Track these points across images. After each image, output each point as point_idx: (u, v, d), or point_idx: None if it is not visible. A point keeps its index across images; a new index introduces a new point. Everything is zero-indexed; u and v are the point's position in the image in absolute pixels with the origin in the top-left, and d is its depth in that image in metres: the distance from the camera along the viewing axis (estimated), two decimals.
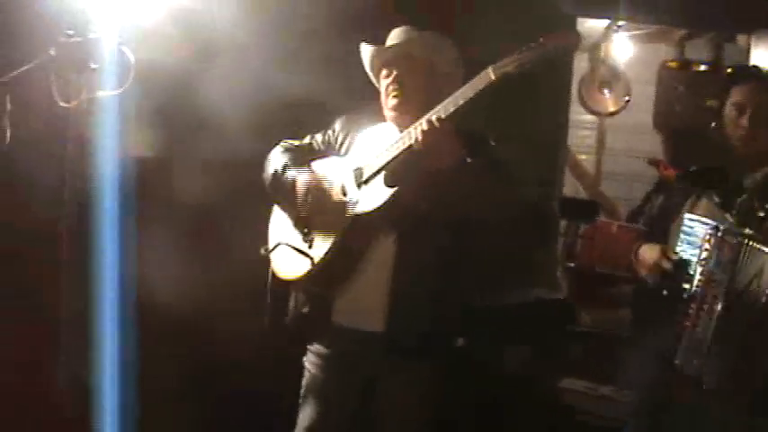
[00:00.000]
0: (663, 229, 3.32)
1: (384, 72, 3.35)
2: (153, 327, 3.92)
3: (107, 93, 3.35)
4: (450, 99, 3.03)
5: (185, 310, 3.97)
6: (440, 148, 3.00)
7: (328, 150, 3.49)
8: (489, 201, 3.12)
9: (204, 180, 4.10)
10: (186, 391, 4.13)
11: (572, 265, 7.07)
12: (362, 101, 3.50)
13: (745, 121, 3.16)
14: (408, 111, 3.25)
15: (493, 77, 2.92)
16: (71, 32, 3.25)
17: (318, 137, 3.55)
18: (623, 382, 4.90)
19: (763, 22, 5.48)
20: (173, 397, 4.05)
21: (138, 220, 3.89)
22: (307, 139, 3.58)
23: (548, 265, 6.06)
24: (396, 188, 3.14)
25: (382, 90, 3.36)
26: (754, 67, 3.70)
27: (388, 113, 3.34)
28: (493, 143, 3.28)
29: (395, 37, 3.37)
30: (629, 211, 7.88)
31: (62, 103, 3.29)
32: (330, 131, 3.52)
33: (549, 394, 5.03)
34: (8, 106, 3.12)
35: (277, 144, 3.58)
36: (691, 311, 3.08)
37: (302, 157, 3.49)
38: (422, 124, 3.02)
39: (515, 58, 2.90)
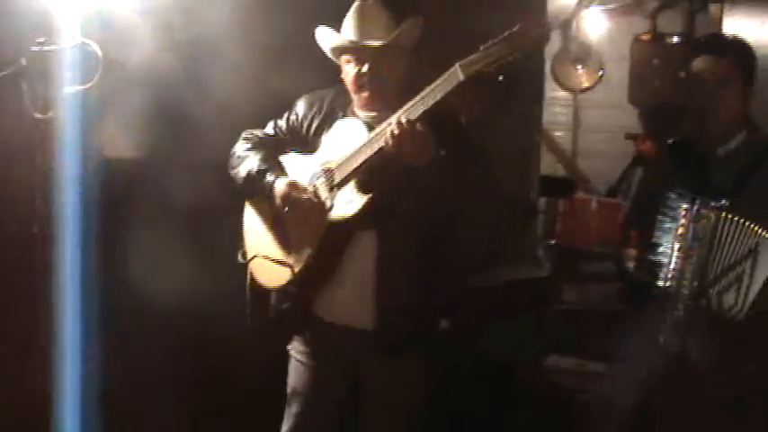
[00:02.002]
0: (642, 204, 3.29)
1: (348, 58, 3.20)
2: (133, 329, 3.86)
3: (73, 88, 3.27)
4: (419, 98, 2.93)
5: (167, 310, 3.91)
6: (412, 149, 2.91)
7: (293, 136, 3.38)
8: (467, 189, 3.07)
9: (181, 180, 4.03)
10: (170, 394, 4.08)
11: (553, 242, 7.07)
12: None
13: (704, 94, 3.14)
14: (380, 104, 3.16)
15: (462, 77, 2.84)
16: (42, 40, 3.18)
17: (282, 123, 3.41)
18: (611, 359, 4.91)
19: None
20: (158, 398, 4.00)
21: (112, 221, 3.82)
22: (269, 129, 3.44)
23: (528, 243, 6.04)
24: (371, 193, 3.07)
25: (349, 77, 3.21)
26: (713, 38, 3.62)
27: (357, 103, 3.25)
28: (464, 122, 3.23)
29: (366, 25, 3.17)
30: (608, 187, 7.95)
31: (37, 115, 3.22)
32: (293, 116, 3.39)
33: (535, 372, 5.02)
34: None
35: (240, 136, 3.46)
36: (670, 289, 3.04)
37: (272, 152, 3.35)
38: (391, 125, 2.93)
39: (484, 54, 2.80)
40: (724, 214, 2.96)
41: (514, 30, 2.76)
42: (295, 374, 3.40)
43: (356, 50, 3.18)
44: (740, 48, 3.31)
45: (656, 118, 6.97)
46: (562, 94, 8.68)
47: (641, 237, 3.20)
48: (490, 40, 2.80)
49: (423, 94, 2.93)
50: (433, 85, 2.91)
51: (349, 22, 3.22)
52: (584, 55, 8.25)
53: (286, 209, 3.20)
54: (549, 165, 8.19)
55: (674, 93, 7.53)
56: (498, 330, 4.82)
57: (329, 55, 3.29)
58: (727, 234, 2.96)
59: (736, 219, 2.94)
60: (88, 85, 3.27)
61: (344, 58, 3.22)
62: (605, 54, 8.33)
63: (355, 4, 3.23)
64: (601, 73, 8.32)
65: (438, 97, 2.89)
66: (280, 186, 3.22)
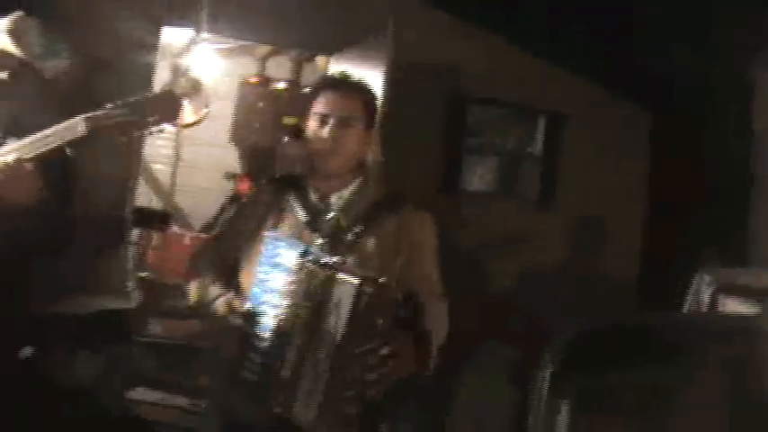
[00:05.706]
0: (236, 243, 3.06)
1: None
2: None
3: None
4: (31, 140, 2.83)
5: None
6: (15, 190, 2.81)
7: None
8: (59, 228, 3.05)
9: None
10: None
11: (143, 274, 6.99)
12: None
13: (326, 132, 2.94)
14: None
15: (84, 131, 2.76)
16: None
17: None
18: (197, 393, 4.89)
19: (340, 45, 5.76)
20: None
21: None
22: None
23: (117, 273, 5.91)
24: None
25: None
26: (332, 76, 3.43)
27: None
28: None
29: None
30: (204, 223, 8.00)
31: None
32: None
33: (120, 405, 4.91)
34: None
35: None
36: (274, 344, 2.73)
37: None
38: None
39: (110, 114, 2.75)
40: (340, 277, 2.66)
41: (143, 96, 2.75)
42: None
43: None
44: (367, 90, 3.12)
45: (256, 159, 7.13)
46: (165, 127, 8.64)
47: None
48: (119, 101, 2.76)
49: (37, 136, 2.82)
50: (50, 131, 2.81)
51: None
52: (191, 90, 8.28)
53: None
54: (146, 197, 8.09)
55: (276, 136, 7.77)
56: (84, 359, 4.67)
57: None
58: (336, 290, 2.66)
59: (344, 277, 2.64)
60: None
61: None
62: (212, 92, 8.42)
63: None
64: (206, 110, 8.38)
65: (53, 145, 2.80)
66: None
